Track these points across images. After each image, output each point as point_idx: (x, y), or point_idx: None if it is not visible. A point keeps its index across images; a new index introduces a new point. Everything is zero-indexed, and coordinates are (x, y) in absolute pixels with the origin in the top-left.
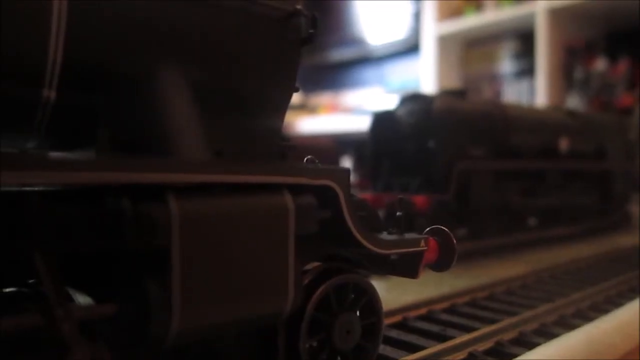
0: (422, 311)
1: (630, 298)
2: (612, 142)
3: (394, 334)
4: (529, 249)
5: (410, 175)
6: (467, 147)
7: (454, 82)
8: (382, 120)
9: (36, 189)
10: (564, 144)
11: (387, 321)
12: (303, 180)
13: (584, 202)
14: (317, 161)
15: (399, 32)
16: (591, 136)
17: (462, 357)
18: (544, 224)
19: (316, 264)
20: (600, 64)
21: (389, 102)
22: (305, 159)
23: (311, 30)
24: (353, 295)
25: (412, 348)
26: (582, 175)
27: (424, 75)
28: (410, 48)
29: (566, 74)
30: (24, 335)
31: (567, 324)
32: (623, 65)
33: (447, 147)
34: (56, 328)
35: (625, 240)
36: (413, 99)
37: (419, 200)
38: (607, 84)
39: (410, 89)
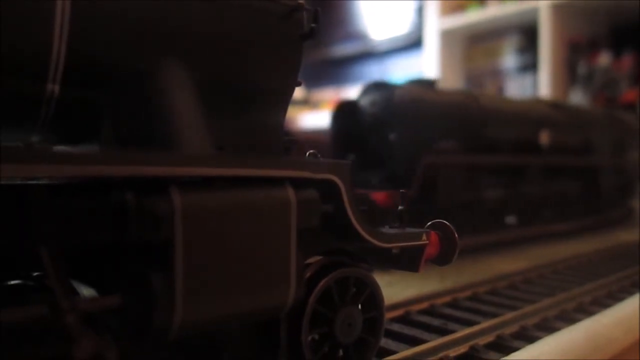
0: (424, 305)
1: (631, 293)
2: (601, 136)
3: (396, 327)
4: (531, 245)
5: (372, 170)
6: (434, 140)
7: (457, 78)
8: (344, 111)
9: (41, 182)
10: (545, 138)
11: (389, 315)
12: (305, 174)
13: (569, 199)
14: (319, 155)
15: (401, 27)
16: (577, 130)
17: (463, 350)
18: (524, 222)
19: (318, 257)
20: (604, 59)
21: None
22: (308, 153)
23: (313, 25)
24: (355, 289)
25: (414, 341)
26: (567, 170)
27: (426, 70)
28: (413, 43)
29: (569, 69)
30: (30, 328)
31: (568, 318)
32: (627, 61)
33: (410, 139)
34: (61, 320)
35: (627, 236)
36: (376, 88)
37: (379, 196)
38: (611, 79)
39: None
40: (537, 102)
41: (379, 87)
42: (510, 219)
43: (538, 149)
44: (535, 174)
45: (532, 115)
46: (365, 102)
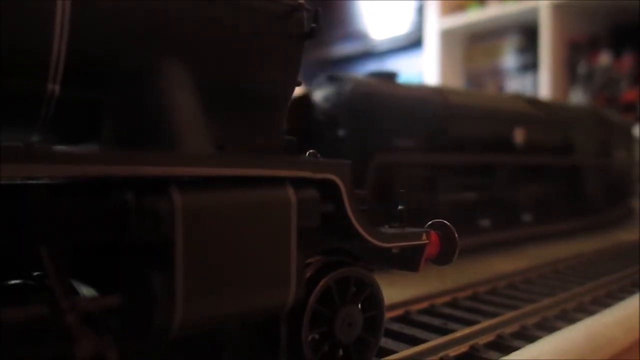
0: (424, 305)
1: (631, 292)
2: (585, 135)
3: (396, 327)
4: (532, 244)
5: None
6: (391, 137)
7: (457, 77)
8: (297, 106)
9: (41, 182)
10: (519, 136)
11: (389, 315)
12: (305, 174)
13: (547, 202)
14: (319, 155)
15: (402, 27)
16: (557, 128)
17: (463, 350)
18: (496, 226)
19: (318, 257)
20: (604, 59)
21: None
22: (308, 152)
23: (313, 25)
24: (355, 289)
25: (414, 341)
26: (546, 171)
27: (427, 70)
28: (413, 43)
29: (570, 69)
30: (30, 328)
31: (568, 318)
32: (627, 60)
33: (361, 136)
34: (61, 320)
35: (627, 236)
36: (329, 81)
37: None
38: (611, 79)
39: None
40: (514, 98)
41: (333, 80)
42: (483, 222)
43: (511, 147)
44: (507, 174)
45: (505, 112)
46: (318, 97)
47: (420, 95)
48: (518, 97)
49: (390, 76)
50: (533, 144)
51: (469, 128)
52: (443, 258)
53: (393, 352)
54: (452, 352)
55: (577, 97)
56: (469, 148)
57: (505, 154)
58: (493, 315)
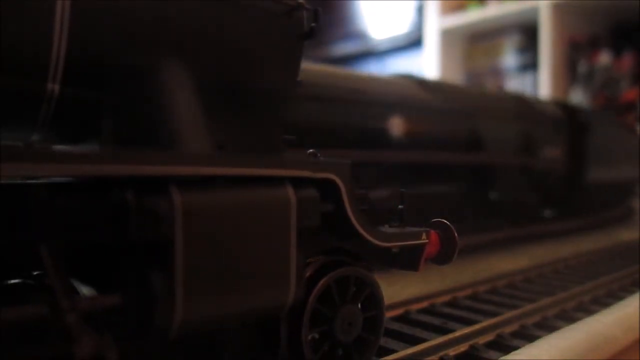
0: (424, 304)
1: (631, 292)
2: (496, 127)
3: (396, 326)
4: (532, 244)
5: None
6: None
7: (457, 76)
8: None
9: (41, 181)
10: (400, 127)
11: (389, 314)
12: (305, 174)
13: (442, 210)
14: (319, 154)
15: (402, 26)
16: (458, 118)
17: (463, 349)
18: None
19: (318, 256)
20: (604, 58)
21: None
22: (308, 152)
23: (313, 24)
24: (355, 288)
25: (414, 340)
26: (442, 172)
27: (427, 69)
28: (414, 42)
29: (570, 68)
30: (30, 327)
31: (568, 317)
32: (627, 60)
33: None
34: (61, 320)
35: (628, 235)
36: None
37: None
38: (611, 78)
39: None
40: (399, 79)
41: None
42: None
43: (389, 141)
44: (379, 175)
45: (380, 96)
46: None
47: None
48: (405, 79)
49: None
50: (422, 136)
51: (324, 115)
52: (443, 257)
53: (393, 351)
54: (452, 351)
55: (577, 96)
56: (324, 142)
57: (379, 149)
58: (493, 314)
